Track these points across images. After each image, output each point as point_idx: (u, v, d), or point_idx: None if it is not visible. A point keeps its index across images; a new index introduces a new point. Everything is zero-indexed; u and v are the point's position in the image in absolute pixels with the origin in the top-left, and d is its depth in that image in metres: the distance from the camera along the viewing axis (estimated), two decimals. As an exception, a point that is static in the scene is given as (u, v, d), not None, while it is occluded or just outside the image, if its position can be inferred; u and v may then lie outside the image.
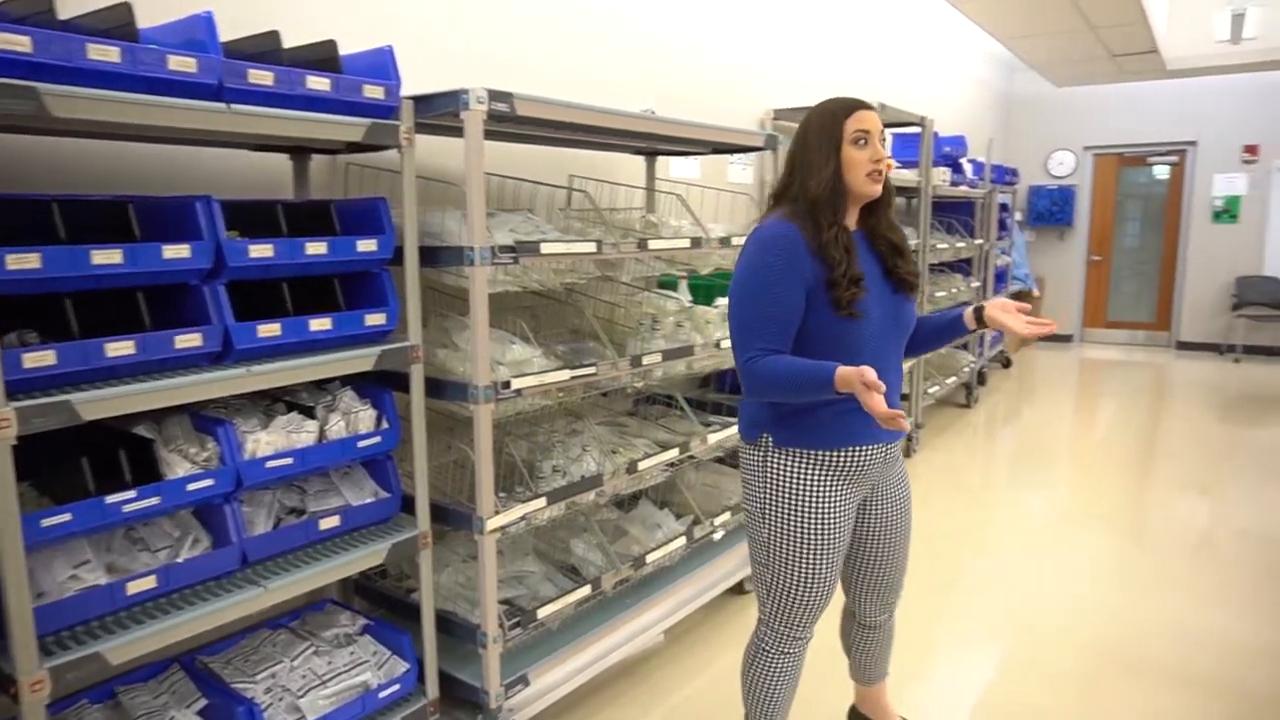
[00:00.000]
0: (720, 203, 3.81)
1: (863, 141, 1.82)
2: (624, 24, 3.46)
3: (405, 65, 1.95)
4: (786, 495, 1.88)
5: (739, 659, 2.15)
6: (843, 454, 1.87)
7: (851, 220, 1.89)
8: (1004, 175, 7.61)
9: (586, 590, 2.49)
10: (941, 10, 6.39)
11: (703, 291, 3.46)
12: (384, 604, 2.47)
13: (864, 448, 1.89)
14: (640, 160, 3.44)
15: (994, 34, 7.01)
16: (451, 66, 2.71)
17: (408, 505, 2.13)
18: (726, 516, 3.08)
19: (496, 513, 2.15)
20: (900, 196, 5.57)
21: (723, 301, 3.41)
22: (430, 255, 2.09)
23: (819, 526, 1.89)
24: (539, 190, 2.99)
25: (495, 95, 1.99)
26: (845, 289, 1.77)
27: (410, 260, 2.02)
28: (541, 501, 2.29)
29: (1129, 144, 9.50)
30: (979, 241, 6.48)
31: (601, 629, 2.62)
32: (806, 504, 1.88)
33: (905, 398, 5.23)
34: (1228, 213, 9.06)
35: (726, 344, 2.92)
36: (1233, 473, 5.02)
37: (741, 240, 3.03)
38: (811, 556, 1.90)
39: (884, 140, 1.89)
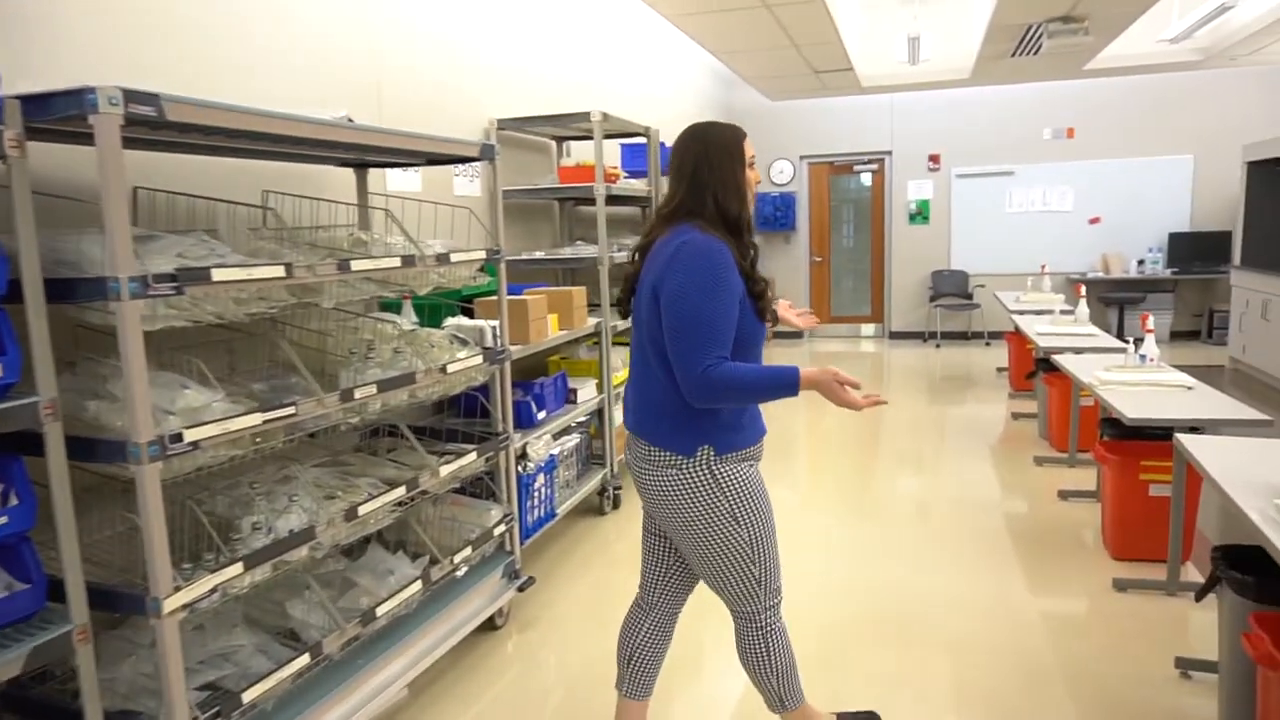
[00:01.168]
0: (440, 216, 3.60)
1: (752, 164, 2.06)
2: (346, 33, 3.16)
3: (33, 61, 1.59)
4: (747, 494, 2.01)
5: (495, 698, 2.01)
6: (758, 446, 2.09)
7: None
8: (730, 184, 7.99)
9: (305, 659, 2.20)
10: (661, 24, 6.57)
11: (429, 312, 3.24)
12: (45, 714, 2.02)
13: (763, 436, 2.12)
14: (350, 173, 3.16)
15: (710, 49, 7.34)
16: (141, 70, 2.30)
17: (61, 593, 1.74)
18: (468, 551, 2.88)
19: (176, 589, 1.82)
20: (633, 206, 5.64)
21: (452, 321, 3.21)
22: (64, 289, 1.72)
23: (769, 508, 2.08)
24: (231, 209, 2.63)
25: (134, 96, 1.67)
26: (766, 298, 1.99)
27: (33, 296, 1.64)
28: (237, 567, 1.97)
29: (837, 153, 10.39)
30: (711, 248, 6.73)
31: (330, 698, 2.33)
32: (761, 494, 2.05)
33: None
34: (920, 215, 10.16)
35: (454, 368, 2.73)
36: (940, 447, 5.56)
37: (464, 257, 2.88)
38: (774, 532, 2.09)
39: None
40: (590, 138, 4.42)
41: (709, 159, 1.98)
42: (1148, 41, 7.73)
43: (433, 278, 2.73)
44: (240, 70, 2.76)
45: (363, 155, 2.92)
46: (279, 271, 2.04)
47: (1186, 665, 2.76)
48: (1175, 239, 9.28)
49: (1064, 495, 4.46)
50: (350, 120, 2.43)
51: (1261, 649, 2.01)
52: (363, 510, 2.37)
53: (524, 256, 4.47)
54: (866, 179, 10.49)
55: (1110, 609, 3.25)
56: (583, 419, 4.20)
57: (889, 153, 10.17)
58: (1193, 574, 3.43)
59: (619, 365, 4.63)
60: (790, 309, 2.46)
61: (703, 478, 1.97)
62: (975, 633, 3.09)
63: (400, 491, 2.53)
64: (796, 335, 10.63)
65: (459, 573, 2.89)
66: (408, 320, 2.98)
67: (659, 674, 2.33)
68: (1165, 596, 3.28)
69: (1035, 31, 6.72)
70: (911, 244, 10.20)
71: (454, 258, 2.73)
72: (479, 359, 2.87)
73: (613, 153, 5.59)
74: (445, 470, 2.74)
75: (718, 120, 2.09)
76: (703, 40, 7.02)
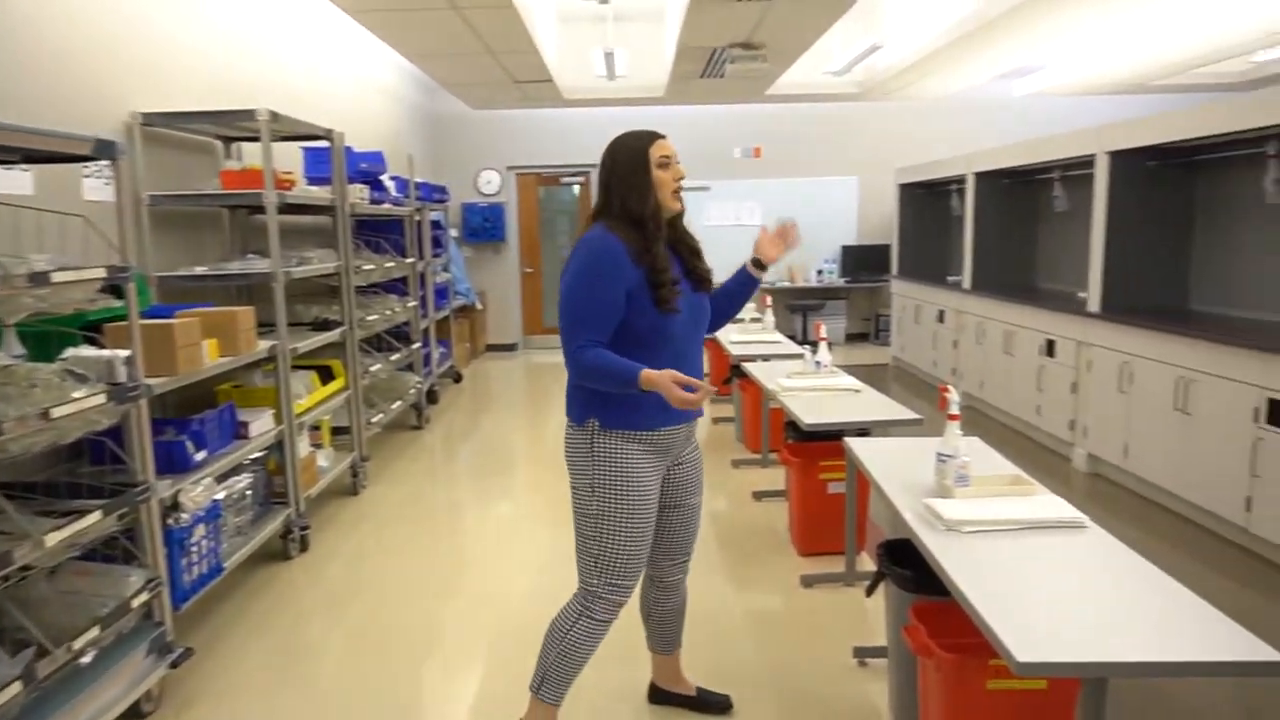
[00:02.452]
0: (45, 224, 2.98)
1: (666, 165, 2.24)
2: None
3: None
4: (613, 471, 2.19)
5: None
6: (656, 434, 2.23)
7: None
8: (432, 193, 7.67)
9: None
10: (343, 20, 6.12)
11: (41, 341, 2.66)
12: None
13: (673, 428, 2.27)
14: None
15: (400, 50, 6.98)
16: None
17: None
18: (95, 632, 2.37)
19: None
20: (320, 216, 5.18)
21: (72, 351, 2.66)
22: None
23: (639, 497, 2.21)
24: None
25: None
26: (667, 289, 2.14)
27: None
28: None
29: (544, 165, 10.40)
30: (411, 260, 6.38)
31: None
32: (629, 478, 2.19)
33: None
34: (627, 226, 10.45)
35: (62, 411, 2.23)
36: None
37: (73, 276, 2.37)
38: (633, 523, 2.21)
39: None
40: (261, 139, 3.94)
41: (616, 168, 2.24)
42: (817, 73, 8.53)
43: (28, 301, 2.22)
44: None
45: (-71, 149, 2.32)
46: None
47: (863, 654, 2.94)
48: (847, 251, 10.33)
49: (758, 496, 4.68)
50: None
51: (918, 639, 2.14)
52: (-78, 605, 1.84)
53: (181, 273, 3.89)
54: (576, 190, 10.61)
55: (800, 604, 3.41)
56: (258, 454, 3.72)
57: (595, 165, 10.34)
58: (868, 563, 3.72)
59: (302, 392, 4.18)
60: (771, 239, 2.75)
61: (583, 445, 2.21)
62: (688, 634, 3.10)
63: (-15, 572, 2.01)
64: (509, 347, 10.50)
65: (84, 659, 2.37)
66: (6, 354, 2.42)
67: (680, 627, 2.62)
68: (845, 587, 3.51)
69: (719, 56, 7.11)
70: (620, 255, 10.43)
71: (58, 277, 2.24)
72: (102, 398, 2.39)
73: (295, 157, 5.09)
74: (54, 538, 2.23)
75: (635, 130, 2.32)
76: (391, 40, 6.64)
